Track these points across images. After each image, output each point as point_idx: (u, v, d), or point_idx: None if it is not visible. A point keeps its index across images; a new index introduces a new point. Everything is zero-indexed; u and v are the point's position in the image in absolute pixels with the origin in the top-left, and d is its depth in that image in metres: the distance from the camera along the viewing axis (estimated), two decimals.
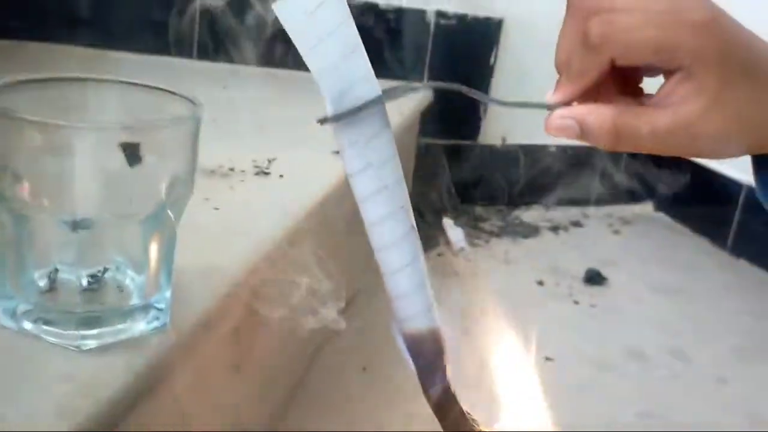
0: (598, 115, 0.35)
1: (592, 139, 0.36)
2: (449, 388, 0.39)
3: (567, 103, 0.36)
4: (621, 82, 0.37)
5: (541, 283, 0.97)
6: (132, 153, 0.39)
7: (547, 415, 0.75)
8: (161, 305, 0.41)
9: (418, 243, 0.37)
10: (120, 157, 0.37)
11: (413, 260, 0.37)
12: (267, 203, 0.58)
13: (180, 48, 1.06)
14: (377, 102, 0.34)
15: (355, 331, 0.80)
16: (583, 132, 0.36)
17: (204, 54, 1.07)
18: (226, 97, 0.93)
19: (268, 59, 0.98)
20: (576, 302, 0.93)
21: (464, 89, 0.38)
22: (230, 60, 1.03)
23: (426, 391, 0.39)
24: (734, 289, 0.98)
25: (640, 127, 0.35)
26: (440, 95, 1.08)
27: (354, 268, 0.83)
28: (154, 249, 0.41)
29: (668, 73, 0.35)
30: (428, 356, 0.38)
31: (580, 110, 0.36)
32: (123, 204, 0.39)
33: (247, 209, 0.57)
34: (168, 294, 0.42)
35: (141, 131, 0.38)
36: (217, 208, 0.56)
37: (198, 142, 0.41)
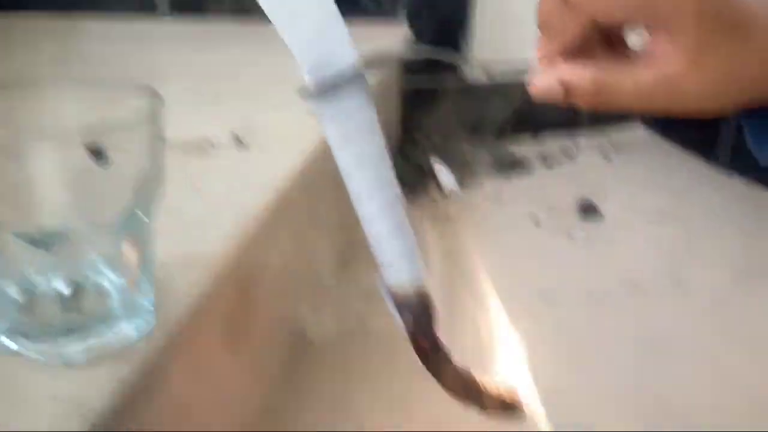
0: (580, 73, 0.35)
1: (575, 98, 0.35)
2: (440, 346, 0.39)
3: (550, 64, 0.36)
4: (607, 40, 0.36)
5: (535, 219, 0.96)
6: (98, 155, 0.37)
7: (548, 350, 0.76)
8: (145, 306, 0.40)
9: (404, 210, 0.37)
10: (85, 163, 0.36)
11: (399, 227, 0.37)
12: (248, 178, 0.57)
13: (151, 7, 1.02)
14: (357, 73, 0.33)
15: (350, 296, 0.79)
16: (566, 92, 0.35)
17: (177, 11, 1.03)
18: (202, 60, 0.90)
19: (243, 13, 0.95)
20: (572, 236, 0.93)
21: (446, 56, 0.37)
22: (204, 16, 0.99)
23: (417, 349, 0.39)
24: (729, 210, 0.97)
25: (622, 84, 0.34)
26: (420, 34, 1.05)
27: (344, 232, 0.82)
28: (130, 249, 0.40)
29: (652, 31, 0.34)
30: (417, 316, 0.38)
31: (561, 70, 0.35)
32: (94, 210, 0.37)
33: (227, 187, 0.56)
34: (151, 293, 0.41)
35: (104, 133, 0.37)
36: (196, 189, 0.55)
37: (162, 136, 0.39)
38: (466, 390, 0.40)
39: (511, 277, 0.81)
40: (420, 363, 0.41)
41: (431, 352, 0.40)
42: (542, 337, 0.78)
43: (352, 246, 0.84)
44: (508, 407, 0.41)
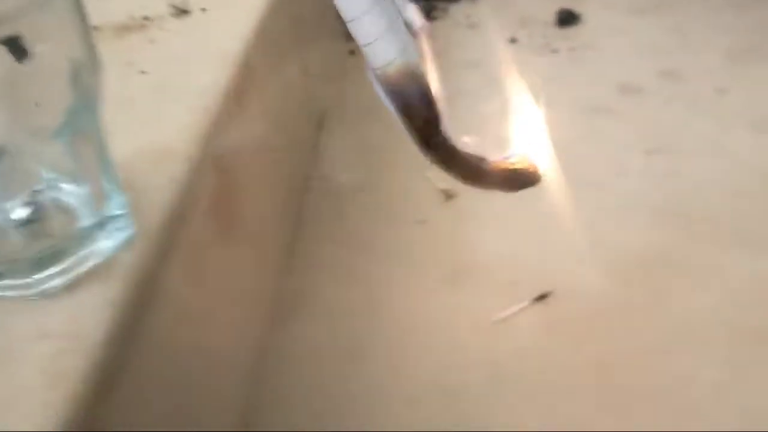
0: None
1: None
2: (439, 127, 0.36)
3: None
4: None
5: (513, 39, 0.89)
6: (16, 48, 0.31)
7: (558, 163, 0.72)
8: (119, 212, 0.35)
9: None
10: (4, 64, 0.30)
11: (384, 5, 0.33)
12: (197, 50, 0.50)
13: None
14: None
15: (334, 150, 0.74)
16: None
17: None
18: None
19: None
20: (555, 50, 0.87)
21: None
22: None
23: (415, 134, 0.36)
24: None
25: None
26: None
27: (322, 80, 0.76)
28: (84, 152, 0.34)
29: None
30: (410, 94, 0.34)
31: None
32: (30, 116, 0.31)
33: (177, 64, 0.49)
34: (122, 197, 0.36)
35: (14, 19, 0.30)
36: (143, 72, 0.48)
37: (85, 13, 0.33)
38: (475, 171, 0.38)
39: (504, 103, 0.76)
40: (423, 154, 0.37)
41: (430, 134, 0.36)
42: (550, 149, 0.73)
43: (330, 106, 0.78)
44: (524, 181, 0.40)
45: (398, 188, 0.70)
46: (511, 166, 0.39)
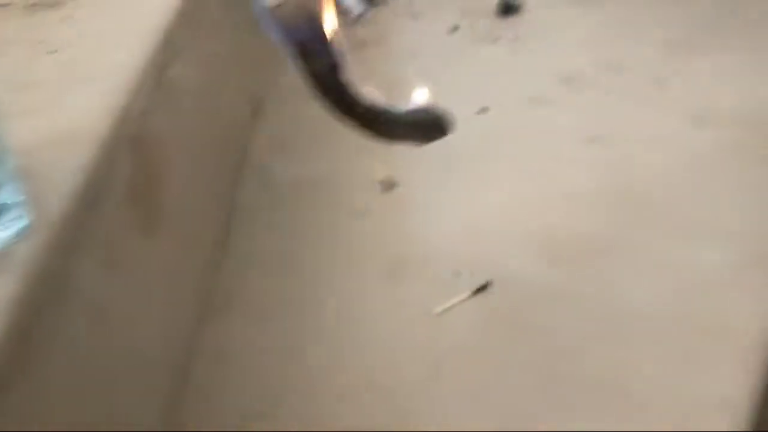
0: None
1: None
2: (337, 65, 0.33)
3: None
4: None
5: (455, 28, 0.88)
6: None
7: (499, 161, 0.71)
8: (12, 200, 0.32)
9: None
10: None
11: None
12: (114, 27, 0.47)
13: None
14: None
15: (270, 139, 0.72)
16: None
17: None
18: None
19: None
20: (496, 40, 0.85)
21: None
22: None
23: (317, 86, 0.33)
24: None
25: None
26: None
27: (258, 66, 0.73)
28: None
29: None
30: (308, 37, 0.31)
31: None
32: None
33: (91, 42, 0.45)
34: (16, 184, 0.32)
35: None
36: (53, 51, 0.44)
37: None
38: (378, 118, 0.35)
39: (443, 94, 0.74)
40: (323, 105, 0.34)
41: (327, 75, 0.33)
42: (488, 147, 0.72)
43: (266, 93, 0.75)
44: (432, 130, 0.37)
45: (337, 178, 0.68)
46: (419, 114, 0.36)
